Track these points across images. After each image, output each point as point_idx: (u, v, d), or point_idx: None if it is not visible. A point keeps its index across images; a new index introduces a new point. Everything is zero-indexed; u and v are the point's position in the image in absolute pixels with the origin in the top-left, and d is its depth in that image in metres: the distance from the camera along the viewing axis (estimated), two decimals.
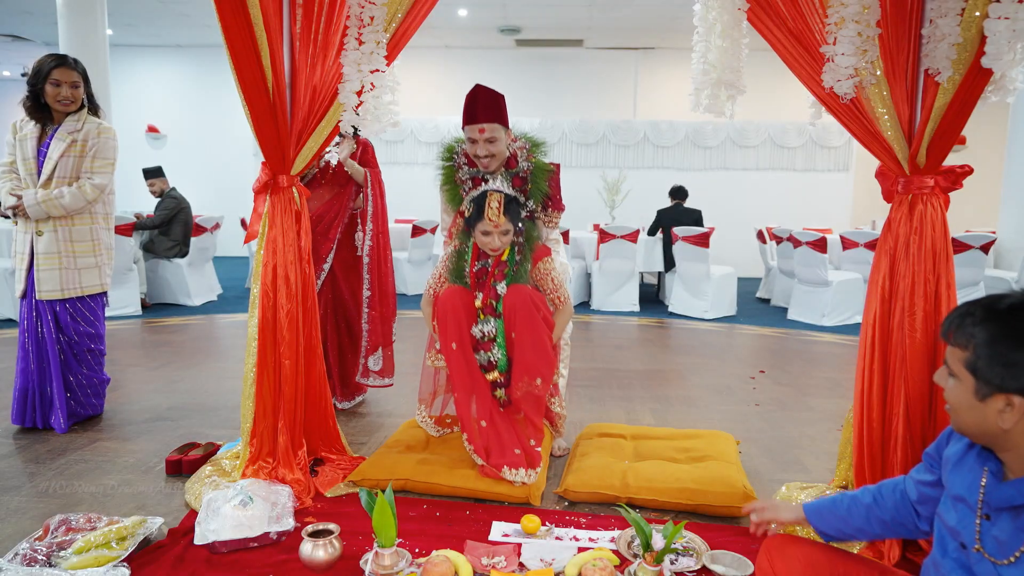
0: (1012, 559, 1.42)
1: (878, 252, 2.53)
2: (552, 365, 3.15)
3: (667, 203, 9.28)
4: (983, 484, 1.51)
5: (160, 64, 14.21)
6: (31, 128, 3.73)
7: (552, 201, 3.43)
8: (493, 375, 3.14)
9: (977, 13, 2.17)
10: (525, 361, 3.08)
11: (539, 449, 3.14)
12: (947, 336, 1.52)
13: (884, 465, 2.49)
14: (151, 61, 14.18)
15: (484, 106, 3.21)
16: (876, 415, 2.50)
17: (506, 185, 3.19)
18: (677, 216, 8.88)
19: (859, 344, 2.60)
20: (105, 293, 3.97)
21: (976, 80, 2.23)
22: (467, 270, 3.20)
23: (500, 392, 3.17)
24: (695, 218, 8.86)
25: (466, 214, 3.16)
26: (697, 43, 2.74)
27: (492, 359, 3.13)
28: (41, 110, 3.72)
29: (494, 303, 3.13)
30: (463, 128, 3.31)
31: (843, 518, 1.90)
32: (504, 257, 3.16)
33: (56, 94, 3.67)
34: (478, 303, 3.14)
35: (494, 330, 3.11)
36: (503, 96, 3.27)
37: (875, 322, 2.49)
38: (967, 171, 2.36)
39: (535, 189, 3.32)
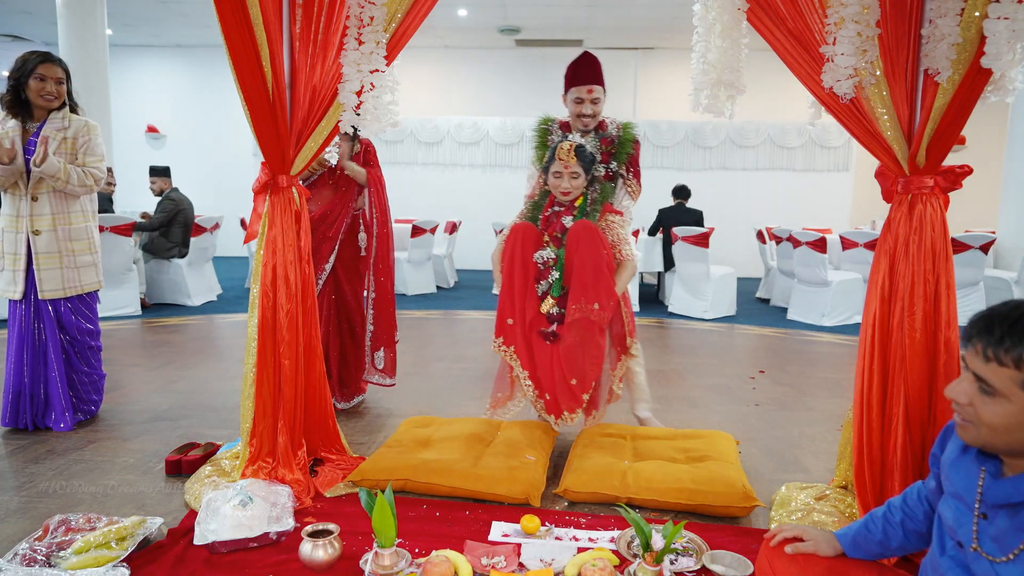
0: (1010, 556, 1.42)
1: (878, 252, 2.53)
2: (612, 295, 3.30)
3: (667, 203, 9.28)
4: (980, 483, 1.51)
5: (160, 64, 14.22)
6: (12, 125, 3.67)
7: (634, 169, 3.73)
8: (547, 304, 3.32)
9: (977, 13, 2.17)
10: (583, 282, 3.25)
11: (588, 392, 3.38)
12: (984, 353, 1.43)
13: (884, 465, 2.48)
14: (151, 61, 14.19)
15: (591, 70, 3.60)
16: (876, 415, 2.49)
17: (592, 145, 3.55)
18: (678, 216, 8.87)
19: (859, 344, 2.60)
20: (98, 291, 3.99)
21: (976, 80, 2.22)
22: (540, 215, 3.49)
23: (552, 328, 3.34)
24: (696, 218, 8.85)
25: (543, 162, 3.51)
26: (697, 43, 2.74)
27: (549, 281, 3.33)
28: (21, 106, 3.68)
29: (559, 235, 3.38)
30: (568, 90, 3.65)
31: (881, 542, 1.87)
32: (577, 203, 3.47)
33: (41, 89, 3.64)
34: (545, 239, 3.40)
35: (554, 256, 3.33)
36: (599, 63, 3.66)
37: (875, 322, 2.49)
38: (967, 171, 2.36)
39: (621, 152, 3.63)
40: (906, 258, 2.41)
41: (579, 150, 3.39)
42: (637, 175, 3.75)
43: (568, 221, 3.40)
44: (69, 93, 3.80)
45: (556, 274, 3.34)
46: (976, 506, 1.51)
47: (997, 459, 1.51)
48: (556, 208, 3.50)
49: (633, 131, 3.73)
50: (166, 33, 13.23)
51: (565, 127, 3.72)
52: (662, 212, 9.08)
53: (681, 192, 9.19)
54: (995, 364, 1.40)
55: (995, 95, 2.24)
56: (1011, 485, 1.44)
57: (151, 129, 14.17)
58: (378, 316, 4.18)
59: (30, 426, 3.77)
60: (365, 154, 4.14)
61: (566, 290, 3.35)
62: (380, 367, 4.24)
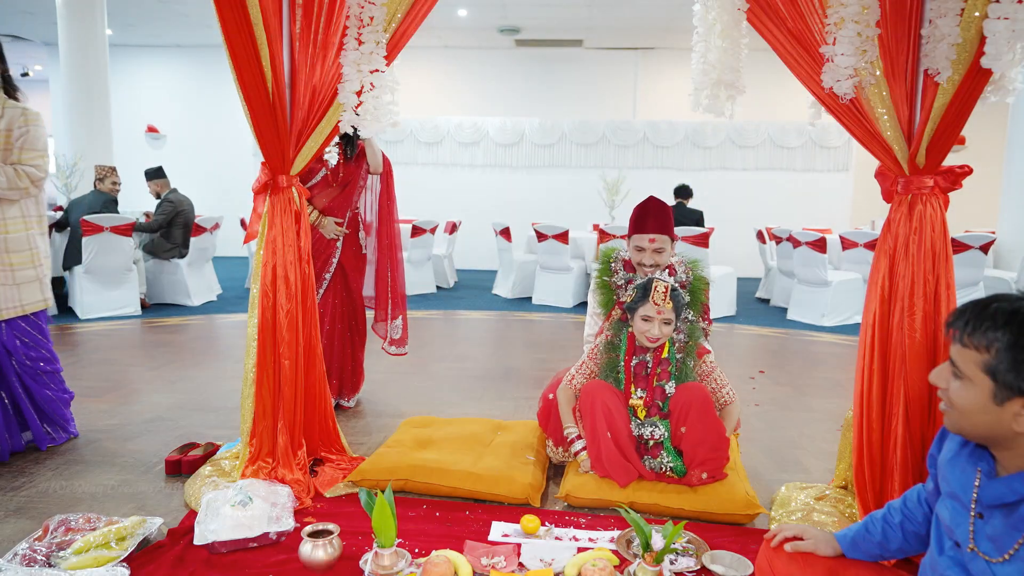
0: (1006, 556, 1.42)
1: (877, 252, 2.53)
2: (721, 461, 2.95)
3: (668, 202, 9.23)
4: (976, 484, 1.51)
5: (160, 64, 14.21)
6: None
7: (707, 315, 3.41)
8: (666, 475, 3.00)
9: (976, 13, 2.17)
10: (695, 456, 2.93)
11: None
12: (960, 338, 1.49)
13: (884, 466, 2.49)
14: (151, 61, 14.18)
15: (655, 218, 3.29)
16: (876, 415, 2.50)
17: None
18: (679, 215, 8.85)
19: (859, 344, 2.60)
20: (47, 309, 3.51)
21: (976, 80, 2.23)
22: (621, 364, 3.12)
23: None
24: (696, 218, 8.84)
25: (627, 301, 3.11)
26: (697, 43, 2.74)
27: (663, 467, 2.97)
28: None
29: (660, 403, 3.04)
30: (630, 236, 3.36)
31: (881, 543, 1.86)
32: (664, 354, 3.08)
33: None
34: (636, 400, 3.04)
35: (664, 433, 2.99)
36: (671, 209, 3.38)
37: (875, 322, 2.50)
38: (967, 171, 2.36)
39: (694, 299, 3.28)
40: (906, 258, 2.42)
41: (674, 294, 3.01)
42: (710, 321, 3.44)
43: (670, 388, 3.02)
44: (6, 76, 3.26)
45: (672, 460, 2.97)
46: (972, 506, 1.51)
47: (991, 458, 1.51)
48: (643, 357, 3.10)
49: (702, 272, 3.38)
50: (166, 33, 13.22)
51: (628, 266, 3.39)
52: None
53: (683, 192, 9.16)
54: (963, 348, 1.47)
55: (995, 95, 2.24)
56: (1005, 485, 1.44)
57: (151, 129, 14.16)
58: (396, 288, 4.25)
59: (3, 453, 3.33)
60: (361, 156, 4.15)
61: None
62: (397, 336, 4.26)
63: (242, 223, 9.80)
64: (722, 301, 8.06)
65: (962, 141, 12.36)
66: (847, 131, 2.55)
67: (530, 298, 9.14)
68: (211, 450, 3.34)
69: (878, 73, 2.39)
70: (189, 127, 14.22)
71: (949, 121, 2.30)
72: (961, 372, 1.48)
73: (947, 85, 2.27)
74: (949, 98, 2.28)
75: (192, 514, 2.73)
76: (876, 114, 2.42)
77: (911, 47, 2.34)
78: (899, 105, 2.39)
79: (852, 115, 2.47)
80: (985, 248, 7.30)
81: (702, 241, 7.88)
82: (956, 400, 1.50)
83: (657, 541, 2.24)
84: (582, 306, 8.73)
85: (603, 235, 8.37)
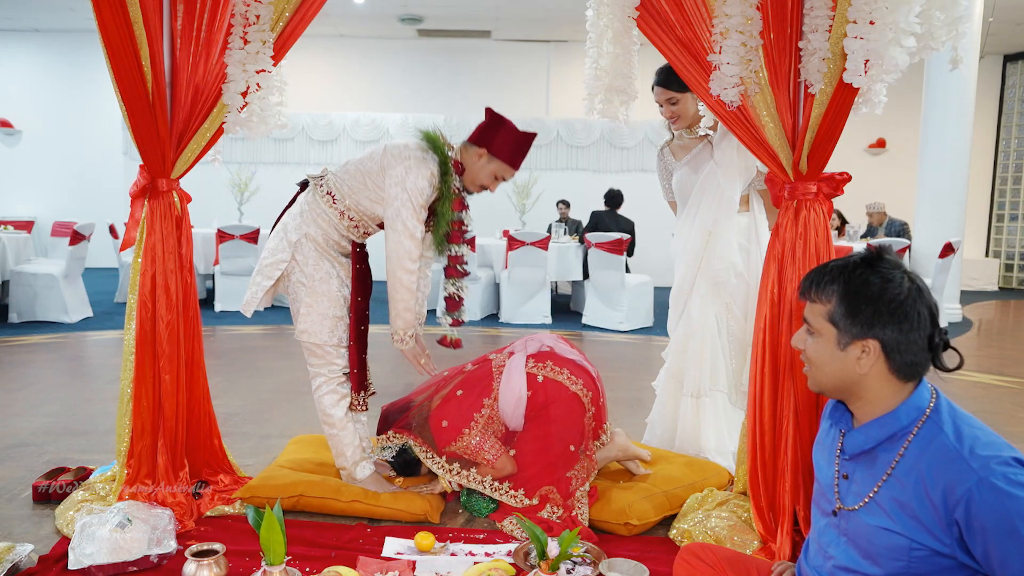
0: (864, 502, 1.68)
1: (767, 258, 2.83)
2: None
3: (588, 207, 9.45)
4: (840, 444, 1.79)
5: (15, 50, 13.81)
6: None
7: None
8: None
9: (841, 31, 2.49)
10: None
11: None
12: (807, 295, 1.78)
13: (775, 468, 2.78)
14: (5, 47, 13.77)
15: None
16: (767, 418, 2.79)
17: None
18: (607, 223, 9.08)
19: (751, 349, 2.89)
20: None
21: (845, 93, 2.55)
22: None
23: None
24: (624, 227, 9.05)
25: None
26: (589, 48, 3.00)
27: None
28: None
29: None
30: (496, 158, 3.50)
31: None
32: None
33: None
34: None
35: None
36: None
37: (765, 326, 2.79)
38: (846, 178, 2.70)
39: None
40: (793, 263, 2.72)
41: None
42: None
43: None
44: None
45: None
46: (836, 470, 1.79)
47: (850, 417, 1.79)
48: None
49: None
50: (23, 16, 12.89)
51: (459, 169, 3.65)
52: (593, 216, 9.31)
53: (614, 199, 9.40)
54: (811, 304, 1.77)
55: (865, 107, 2.57)
56: (861, 433, 1.72)
57: (4, 123, 13.75)
58: None
59: None
60: None
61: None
62: None
63: (111, 230, 9.64)
64: (639, 311, 8.40)
65: (882, 144, 13.16)
66: (736, 138, 2.86)
67: (433, 311, 9.27)
68: (83, 474, 3.39)
69: (763, 82, 2.69)
70: (49, 122, 13.83)
71: (825, 130, 2.62)
72: (812, 328, 1.77)
73: (820, 97, 2.59)
74: (824, 109, 2.60)
75: (65, 540, 2.79)
76: (762, 121, 2.72)
77: (792, 58, 2.65)
78: (783, 113, 2.70)
79: (740, 122, 2.77)
80: (900, 254, 7.84)
81: (616, 248, 8.16)
82: (811, 355, 1.78)
83: (553, 549, 2.45)
84: (490, 319, 8.94)
85: (512, 242, 8.58)
